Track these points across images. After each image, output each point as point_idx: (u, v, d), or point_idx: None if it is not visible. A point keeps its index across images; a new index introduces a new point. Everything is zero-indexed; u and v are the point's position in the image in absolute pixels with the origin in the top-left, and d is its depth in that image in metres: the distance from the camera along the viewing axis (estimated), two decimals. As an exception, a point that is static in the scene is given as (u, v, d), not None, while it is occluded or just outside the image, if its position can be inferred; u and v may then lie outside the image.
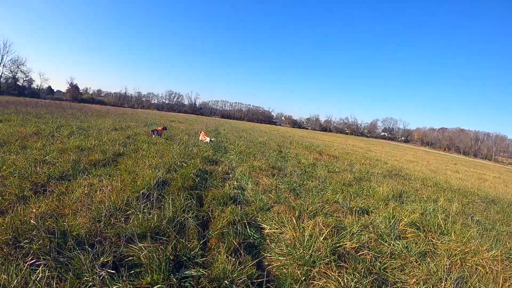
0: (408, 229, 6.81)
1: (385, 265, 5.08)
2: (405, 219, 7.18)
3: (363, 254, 5.28)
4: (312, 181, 10.55)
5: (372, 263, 5.04)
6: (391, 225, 6.84)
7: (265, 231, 5.95)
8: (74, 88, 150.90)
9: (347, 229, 6.13)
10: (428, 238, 6.52)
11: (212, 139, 18.97)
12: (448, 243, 6.24)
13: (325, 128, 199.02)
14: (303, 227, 5.82)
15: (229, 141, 21.59)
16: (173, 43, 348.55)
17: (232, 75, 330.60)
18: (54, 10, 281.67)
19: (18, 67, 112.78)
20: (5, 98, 48.28)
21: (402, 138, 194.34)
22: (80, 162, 8.84)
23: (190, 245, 4.75)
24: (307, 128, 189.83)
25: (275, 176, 10.36)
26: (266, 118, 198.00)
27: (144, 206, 5.82)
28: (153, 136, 16.80)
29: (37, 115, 21.98)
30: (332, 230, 5.75)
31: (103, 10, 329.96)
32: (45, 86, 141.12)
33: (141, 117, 40.31)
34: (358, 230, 6.27)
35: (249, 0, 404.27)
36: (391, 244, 5.89)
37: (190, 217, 5.71)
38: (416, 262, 5.35)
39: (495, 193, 16.36)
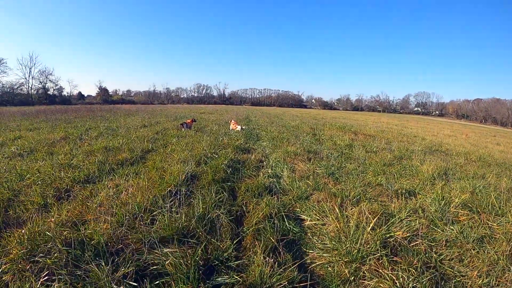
0: (460, 211, 6.22)
1: (442, 256, 4.55)
2: (456, 200, 6.58)
3: (416, 244, 4.74)
4: (350, 163, 10.05)
5: (427, 255, 4.50)
6: (441, 208, 6.27)
7: (305, 223, 5.45)
8: (103, 91, 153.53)
9: (395, 216, 5.64)
10: (483, 220, 5.86)
11: (243, 127, 18.81)
12: (506, 225, 5.61)
13: (357, 107, 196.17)
14: (347, 216, 5.32)
15: (261, 127, 21.17)
16: (197, 35, 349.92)
17: (259, 62, 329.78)
18: (76, 15, 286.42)
19: (46, 77, 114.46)
20: (35, 108, 48.61)
21: (436, 112, 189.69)
22: (107, 162, 8.66)
23: (223, 246, 4.31)
24: (338, 109, 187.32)
25: (312, 161, 9.87)
26: (296, 102, 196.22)
27: (171, 205, 5.42)
28: (183, 129, 16.76)
29: (66, 120, 22.01)
30: (379, 218, 5.23)
31: (124, 10, 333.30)
32: (75, 92, 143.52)
33: (170, 112, 40.14)
34: (407, 215, 5.77)
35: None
36: (445, 230, 5.35)
37: (222, 213, 5.29)
38: (474, 250, 4.77)
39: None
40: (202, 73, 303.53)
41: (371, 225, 4.81)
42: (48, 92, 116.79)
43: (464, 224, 5.66)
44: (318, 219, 5.44)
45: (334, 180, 7.94)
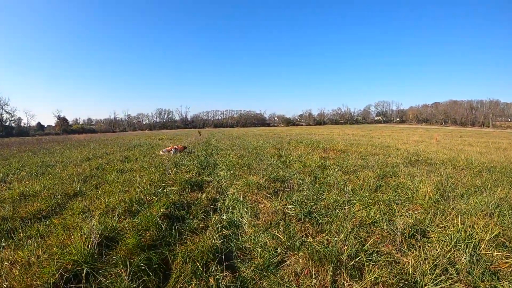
0: (495, 253, 4.41)
1: None
2: (486, 236, 4.76)
3: None
4: (329, 191, 8.00)
5: None
6: (471, 254, 4.37)
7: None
8: (62, 120, 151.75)
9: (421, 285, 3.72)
10: None
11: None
12: None
13: (319, 121, 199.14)
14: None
15: (220, 152, 18.88)
16: (154, 59, 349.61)
17: (219, 83, 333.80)
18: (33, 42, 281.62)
19: (2, 107, 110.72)
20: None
21: (397, 119, 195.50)
22: (10, 218, 6.50)
23: None
24: (301, 125, 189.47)
25: (280, 195, 7.65)
26: (259, 121, 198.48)
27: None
28: (171, 153, 17.28)
29: (2, 156, 19.80)
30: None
31: (80, 34, 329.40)
32: (33, 123, 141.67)
33: (126, 140, 37.66)
34: (436, 281, 3.78)
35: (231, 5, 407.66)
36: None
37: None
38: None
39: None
40: (164, 97, 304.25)
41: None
42: (5, 124, 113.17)
43: (510, 275, 3.96)
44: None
45: (314, 224, 5.78)
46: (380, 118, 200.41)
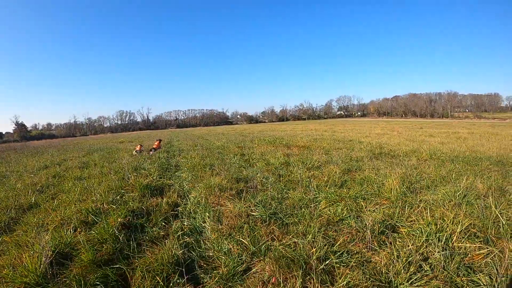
0: (468, 244, 4.34)
1: None
2: (457, 228, 4.64)
3: None
4: (293, 190, 7.79)
5: None
6: (444, 248, 4.26)
7: None
8: (20, 127, 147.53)
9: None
10: (505, 254, 3.92)
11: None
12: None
13: (282, 118, 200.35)
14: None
15: (183, 153, 18.35)
16: (112, 58, 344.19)
17: (181, 83, 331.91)
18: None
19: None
20: None
21: (359, 113, 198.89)
22: None
23: None
24: (264, 122, 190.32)
25: (243, 195, 7.33)
26: (221, 120, 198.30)
27: None
28: (150, 153, 17.75)
29: None
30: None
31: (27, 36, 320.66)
32: None
33: (85, 145, 36.36)
34: (411, 280, 3.63)
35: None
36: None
37: None
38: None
39: (490, 151, 14.31)
40: (124, 99, 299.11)
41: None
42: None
43: (484, 269, 3.87)
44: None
45: (280, 226, 5.51)
46: (342, 112, 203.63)
